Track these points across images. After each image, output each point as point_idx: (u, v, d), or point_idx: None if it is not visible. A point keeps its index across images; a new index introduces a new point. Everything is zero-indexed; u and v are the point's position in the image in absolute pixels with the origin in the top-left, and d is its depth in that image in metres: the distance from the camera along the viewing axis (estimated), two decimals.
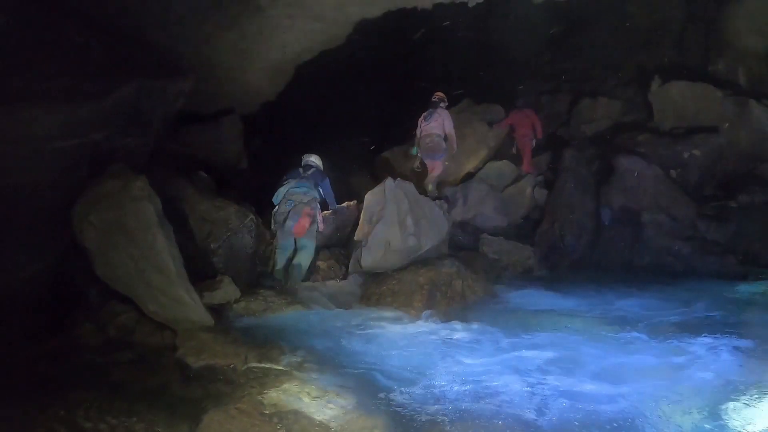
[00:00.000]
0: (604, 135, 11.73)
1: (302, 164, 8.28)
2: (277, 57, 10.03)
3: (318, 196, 7.86)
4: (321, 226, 7.80)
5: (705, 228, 9.18)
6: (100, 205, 5.58)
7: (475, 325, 6.05)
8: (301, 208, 7.49)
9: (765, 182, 9.44)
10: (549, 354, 5.19)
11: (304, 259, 7.62)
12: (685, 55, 12.20)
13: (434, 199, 9.30)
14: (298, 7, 8.92)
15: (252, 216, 7.55)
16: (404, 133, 12.08)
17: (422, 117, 10.02)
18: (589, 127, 12.38)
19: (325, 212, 8.28)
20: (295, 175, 8.00)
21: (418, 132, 10.06)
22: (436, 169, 9.96)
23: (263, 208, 8.08)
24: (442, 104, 10.11)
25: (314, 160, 8.40)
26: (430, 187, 10.03)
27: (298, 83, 11.43)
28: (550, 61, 14.83)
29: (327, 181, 8.17)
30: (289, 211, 7.50)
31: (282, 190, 7.79)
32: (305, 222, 7.45)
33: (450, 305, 6.87)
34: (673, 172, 9.94)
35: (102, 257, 5.61)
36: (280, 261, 7.60)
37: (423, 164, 10.23)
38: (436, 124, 9.80)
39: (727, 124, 10.12)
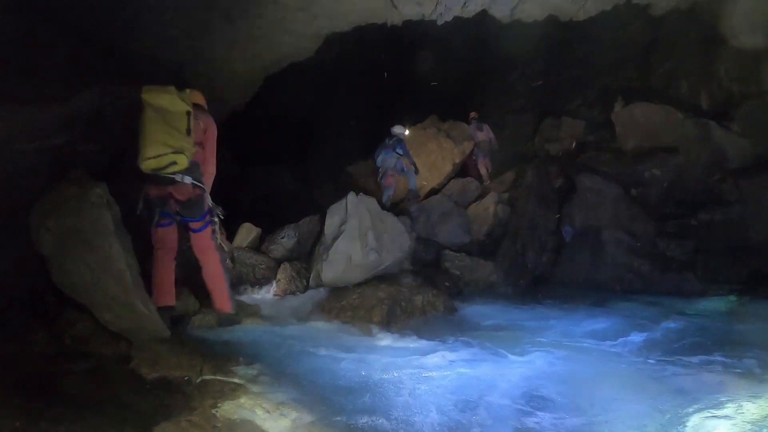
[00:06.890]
0: (568, 153, 11.93)
1: (390, 134, 12.42)
2: (246, 67, 10.02)
3: (400, 155, 12.03)
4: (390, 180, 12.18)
5: (664, 245, 9.36)
6: (58, 211, 5.43)
7: (433, 340, 6.10)
8: (388, 173, 12.01)
9: (723, 201, 9.67)
10: (509, 369, 5.24)
11: (411, 183, 12.22)
12: (648, 77, 12.49)
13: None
14: (267, 19, 8.92)
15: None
16: (374, 145, 12.15)
17: (475, 127, 13.52)
18: (553, 146, 12.62)
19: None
20: (384, 145, 12.25)
21: (478, 138, 13.36)
22: (489, 164, 13.20)
23: (227, 219, 8.02)
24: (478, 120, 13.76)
25: (397, 130, 12.54)
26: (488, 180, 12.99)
27: (267, 94, 11.42)
28: (516, 80, 15.06)
29: (404, 145, 12.22)
30: (383, 173, 12.07)
31: (379, 159, 12.22)
32: (391, 180, 12.02)
33: (410, 320, 6.91)
34: (633, 191, 10.12)
35: (59, 264, 5.47)
36: (385, 199, 11.74)
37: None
38: (485, 132, 13.38)
39: (687, 145, 10.36)
